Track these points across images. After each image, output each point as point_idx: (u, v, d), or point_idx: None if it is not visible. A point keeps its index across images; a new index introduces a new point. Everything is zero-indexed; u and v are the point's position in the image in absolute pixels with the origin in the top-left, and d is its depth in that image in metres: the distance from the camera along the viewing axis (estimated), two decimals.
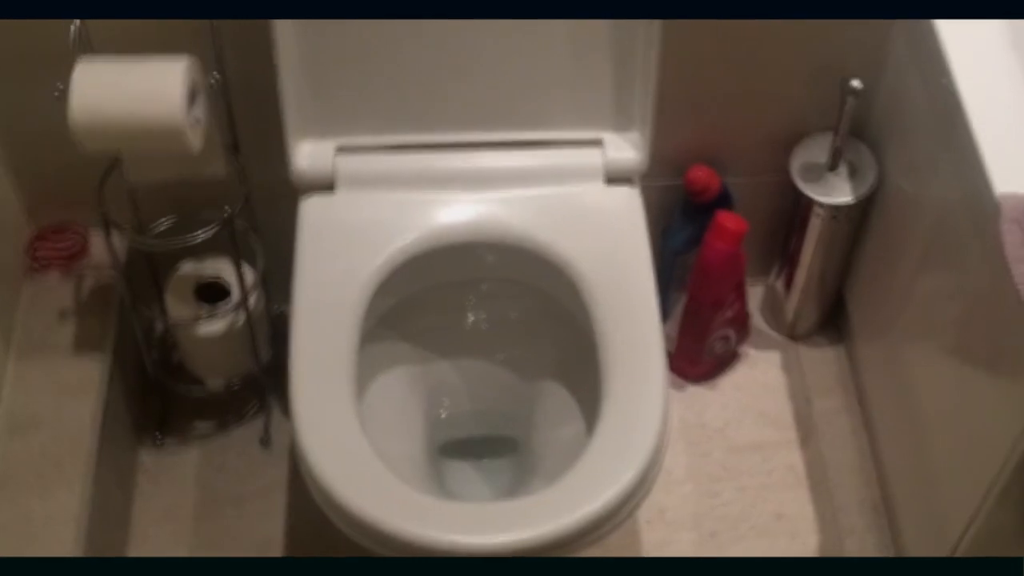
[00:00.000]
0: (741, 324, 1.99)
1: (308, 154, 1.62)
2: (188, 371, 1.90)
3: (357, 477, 1.39)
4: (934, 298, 1.68)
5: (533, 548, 1.34)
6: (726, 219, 1.82)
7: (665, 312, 1.95)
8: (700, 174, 1.85)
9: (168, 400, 1.96)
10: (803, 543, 1.87)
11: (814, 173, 1.84)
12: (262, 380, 1.91)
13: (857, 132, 1.83)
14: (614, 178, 1.63)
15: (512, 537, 1.34)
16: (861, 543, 1.86)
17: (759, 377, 2.04)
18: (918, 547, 1.76)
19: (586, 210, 1.62)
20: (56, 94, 1.50)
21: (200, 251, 1.78)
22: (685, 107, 1.80)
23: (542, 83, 1.60)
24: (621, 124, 1.63)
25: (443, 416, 1.78)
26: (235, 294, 1.79)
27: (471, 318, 1.76)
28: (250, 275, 1.79)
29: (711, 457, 1.96)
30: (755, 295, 2.08)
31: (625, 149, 1.63)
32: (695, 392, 2.03)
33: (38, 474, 1.71)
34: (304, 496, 1.45)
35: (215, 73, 1.61)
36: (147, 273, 1.84)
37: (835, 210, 1.83)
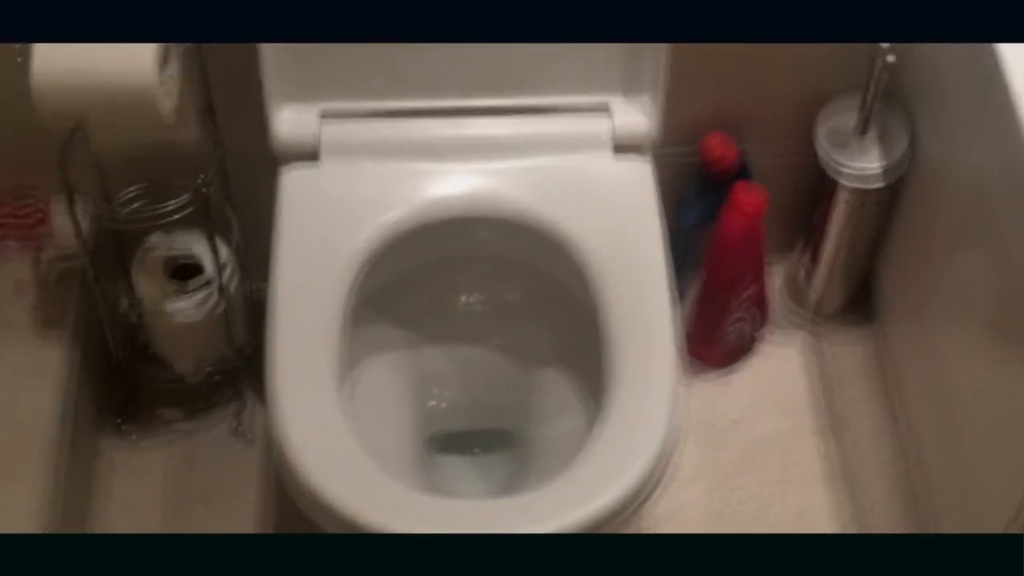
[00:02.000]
0: (760, 306, 2.01)
1: (290, 120, 1.63)
2: (156, 355, 1.91)
3: (341, 472, 1.40)
4: (971, 276, 1.69)
5: None
6: (744, 192, 1.83)
7: (679, 293, 1.96)
8: (715, 142, 1.86)
9: (134, 386, 1.97)
10: None
11: (841, 140, 1.85)
12: (237, 366, 1.92)
13: (888, 95, 1.83)
14: (623, 147, 1.64)
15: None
16: None
17: (780, 364, 2.05)
18: None
19: (592, 182, 1.63)
20: (18, 58, 1.50)
21: (171, 225, 1.77)
22: (699, 69, 1.80)
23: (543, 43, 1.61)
24: (630, 88, 1.64)
25: (434, 406, 1.79)
26: (208, 271, 1.80)
27: (465, 300, 1.77)
28: (225, 251, 1.80)
29: (726, 451, 1.97)
30: (776, 275, 2.09)
31: (635, 115, 1.64)
32: (710, 380, 2.04)
33: None
34: (281, 492, 1.46)
35: None
36: (113, 247, 1.84)
37: (864, 182, 1.84)
